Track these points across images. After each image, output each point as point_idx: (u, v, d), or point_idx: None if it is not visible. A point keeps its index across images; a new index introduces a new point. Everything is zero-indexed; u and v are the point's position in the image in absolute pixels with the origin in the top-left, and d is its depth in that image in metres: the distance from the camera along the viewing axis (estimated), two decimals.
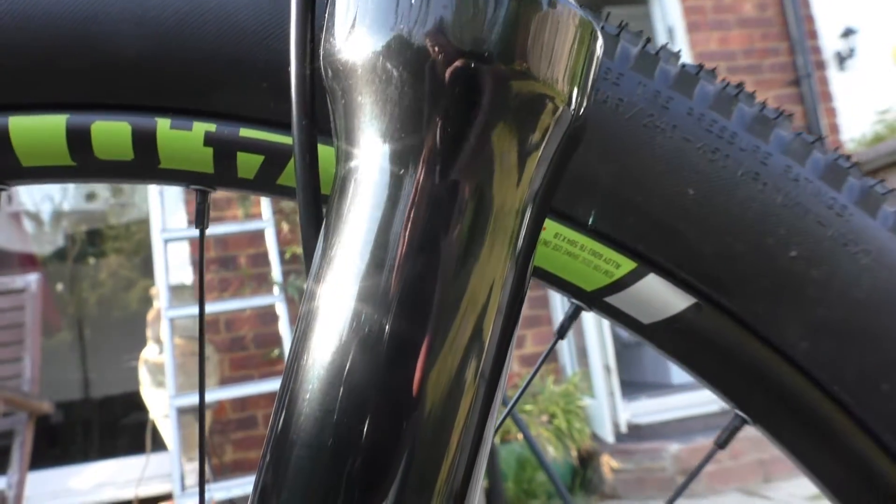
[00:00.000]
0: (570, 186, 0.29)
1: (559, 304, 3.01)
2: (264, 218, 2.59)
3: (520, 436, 2.50)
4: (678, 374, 3.42)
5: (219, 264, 2.76)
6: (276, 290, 2.51)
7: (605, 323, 2.67)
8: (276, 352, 2.67)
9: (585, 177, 0.29)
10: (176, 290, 2.55)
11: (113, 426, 3.35)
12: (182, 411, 2.37)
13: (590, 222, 0.29)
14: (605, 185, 0.29)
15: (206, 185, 0.31)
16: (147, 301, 3.02)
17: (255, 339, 2.76)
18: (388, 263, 0.19)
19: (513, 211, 0.20)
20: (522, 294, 0.21)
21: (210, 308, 2.45)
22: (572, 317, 0.33)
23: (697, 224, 0.28)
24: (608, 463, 2.57)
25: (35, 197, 3.53)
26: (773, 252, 0.28)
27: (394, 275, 0.19)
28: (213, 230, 2.52)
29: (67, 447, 3.29)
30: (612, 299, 0.31)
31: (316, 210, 0.23)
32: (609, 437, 2.60)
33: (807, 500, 2.28)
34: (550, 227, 0.30)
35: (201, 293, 0.37)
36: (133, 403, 2.98)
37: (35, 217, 3.73)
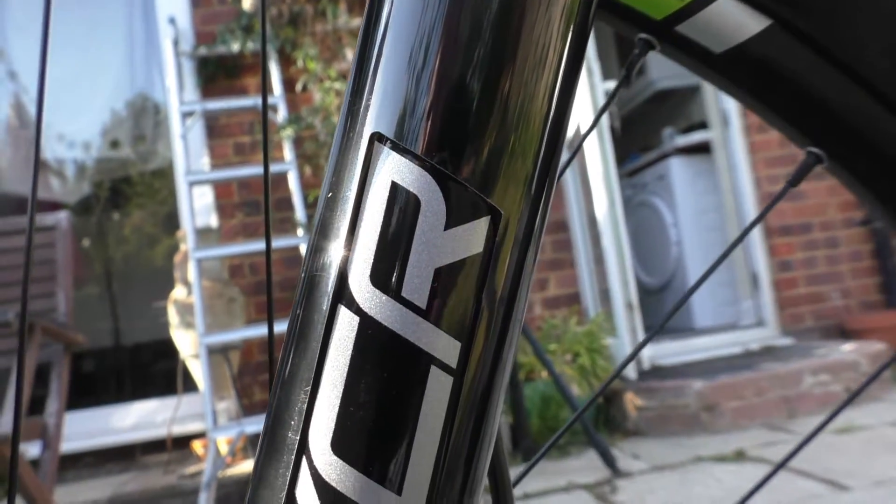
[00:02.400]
0: None
1: (581, 247, 3.00)
2: (287, 160, 2.59)
3: (544, 374, 2.52)
4: (701, 317, 3.41)
5: (243, 209, 2.78)
6: (300, 231, 2.53)
7: (628, 262, 2.65)
8: None
9: None
10: (202, 234, 2.58)
11: (144, 371, 3.44)
12: (211, 350, 2.42)
13: None
14: None
15: None
16: (171, 257, 3.06)
17: (280, 283, 2.79)
18: None
19: None
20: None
21: (235, 250, 2.47)
22: (640, 54, 0.32)
23: None
24: (632, 400, 2.58)
25: (57, 148, 3.57)
26: None
27: None
28: (236, 172, 2.53)
29: (101, 391, 3.39)
30: (683, 27, 0.30)
31: None
32: (632, 374, 2.61)
33: (832, 433, 2.28)
34: None
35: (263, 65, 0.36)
36: (163, 350, 3.05)
37: (58, 173, 3.76)
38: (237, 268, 2.74)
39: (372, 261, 0.18)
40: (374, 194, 0.19)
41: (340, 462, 0.18)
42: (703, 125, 3.47)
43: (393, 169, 0.18)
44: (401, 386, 0.18)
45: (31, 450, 2.11)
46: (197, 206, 2.73)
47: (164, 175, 3.74)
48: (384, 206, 0.18)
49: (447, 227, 0.18)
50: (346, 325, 0.19)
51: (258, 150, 2.76)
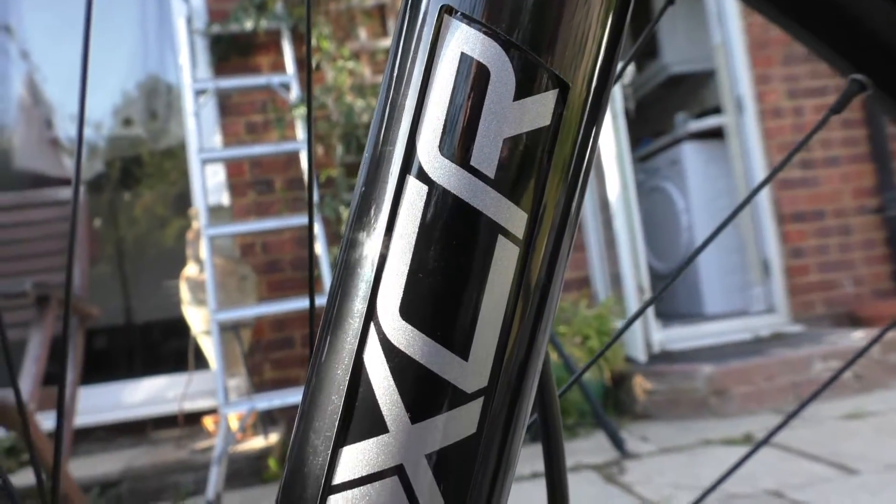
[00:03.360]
0: None
1: (592, 231, 3.00)
2: (299, 139, 2.59)
3: (553, 355, 2.52)
4: (711, 304, 3.41)
5: (255, 188, 2.79)
6: None
7: (640, 245, 2.65)
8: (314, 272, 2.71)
9: None
10: (214, 212, 2.59)
11: (156, 349, 3.47)
12: (223, 328, 2.43)
13: None
14: None
15: None
16: (182, 237, 3.07)
17: (291, 262, 2.80)
18: None
19: None
20: None
21: (248, 228, 2.48)
22: None
23: None
24: (641, 384, 2.58)
25: (70, 127, 3.58)
26: None
27: None
28: (249, 150, 2.53)
29: (113, 368, 3.42)
30: None
31: None
32: (642, 357, 2.61)
33: (841, 418, 2.28)
34: None
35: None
36: (174, 328, 3.07)
37: (71, 152, 3.78)
38: (249, 246, 2.76)
39: (441, 131, 0.19)
40: (444, 65, 0.19)
41: (409, 327, 0.18)
42: (716, 111, 3.45)
43: (462, 40, 0.18)
44: (469, 254, 0.18)
45: (45, 421, 2.14)
46: (209, 185, 2.74)
47: (175, 156, 3.75)
48: (453, 77, 0.19)
49: (516, 97, 0.18)
50: (414, 195, 0.19)
51: (270, 129, 2.76)
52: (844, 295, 3.12)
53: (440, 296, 0.18)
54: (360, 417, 0.18)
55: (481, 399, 0.18)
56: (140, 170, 3.89)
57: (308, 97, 0.31)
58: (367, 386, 0.18)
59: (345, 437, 0.18)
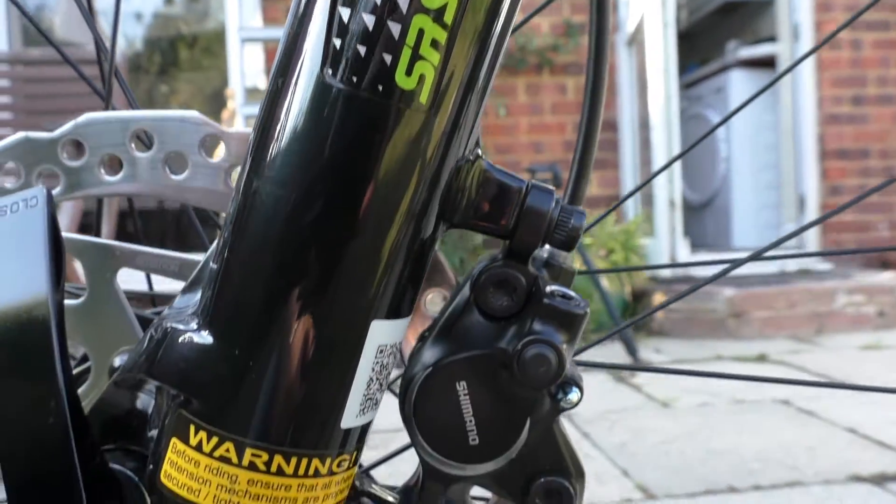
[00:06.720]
0: None
1: (629, 149, 2.96)
2: None
3: (577, 262, 2.53)
4: (741, 237, 3.37)
5: None
6: None
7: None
8: None
9: None
10: (251, 93, 2.59)
11: (186, 232, 3.56)
12: None
13: None
14: None
15: None
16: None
17: None
18: None
19: None
20: None
21: None
22: None
23: None
24: (660, 301, 2.59)
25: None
26: None
27: None
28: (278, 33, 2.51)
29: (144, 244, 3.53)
30: None
31: None
32: (665, 273, 2.61)
33: (859, 349, 2.28)
34: None
35: None
36: (204, 215, 3.13)
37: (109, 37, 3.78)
38: None
39: None
40: None
41: None
42: (770, 40, 3.31)
43: None
44: None
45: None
46: (247, 70, 2.73)
47: (214, 53, 3.73)
48: None
49: None
50: None
51: None
52: (878, 238, 3.06)
53: None
54: None
55: None
56: (178, 69, 3.89)
57: None
58: None
59: None
